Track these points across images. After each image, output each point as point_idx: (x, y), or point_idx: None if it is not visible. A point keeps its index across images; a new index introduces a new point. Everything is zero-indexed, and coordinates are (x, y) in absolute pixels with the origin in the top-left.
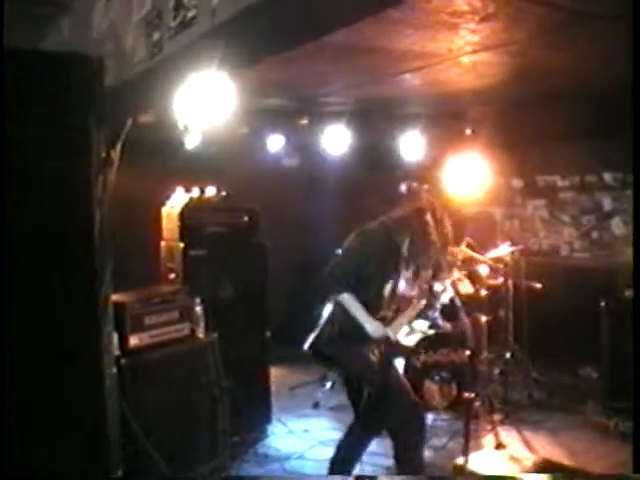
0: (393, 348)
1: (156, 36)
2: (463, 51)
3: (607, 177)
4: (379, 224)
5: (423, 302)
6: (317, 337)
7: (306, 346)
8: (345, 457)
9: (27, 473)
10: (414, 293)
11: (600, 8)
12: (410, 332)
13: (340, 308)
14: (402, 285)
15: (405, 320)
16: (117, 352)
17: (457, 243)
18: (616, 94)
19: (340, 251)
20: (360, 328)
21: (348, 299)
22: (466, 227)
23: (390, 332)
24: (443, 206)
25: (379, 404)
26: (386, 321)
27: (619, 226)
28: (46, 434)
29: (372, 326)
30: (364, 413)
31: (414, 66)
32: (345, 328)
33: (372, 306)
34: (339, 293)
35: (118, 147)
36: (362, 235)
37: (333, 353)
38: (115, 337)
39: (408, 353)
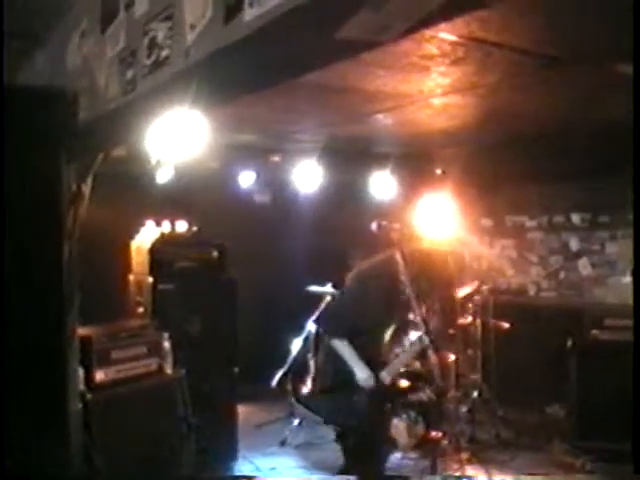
0: (384, 392)
1: (130, 74)
2: (434, 93)
3: (575, 218)
4: (378, 262)
5: (417, 347)
6: (310, 386)
7: (274, 383)
8: None
9: None
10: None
11: (572, 53)
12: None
13: (333, 354)
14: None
15: (401, 364)
16: (82, 387)
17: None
18: (585, 137)
19: (337, 292)
20: (351, 376)
21: (339, 346)
22: (435, 266)
23: (385, 376)
24: (413, 245)
25: (358, 449)
26: (383, 366)
27: (586, 266)
28: (11, 465)
29: (363, 375)
30: (348, 458)
31: (386, 106)
32: (337, 374)
33: (369, 352)
34: (332, 338)
35: (89, 181)
36: (357, 276)
37: (322, 405)
38: (80, 372)
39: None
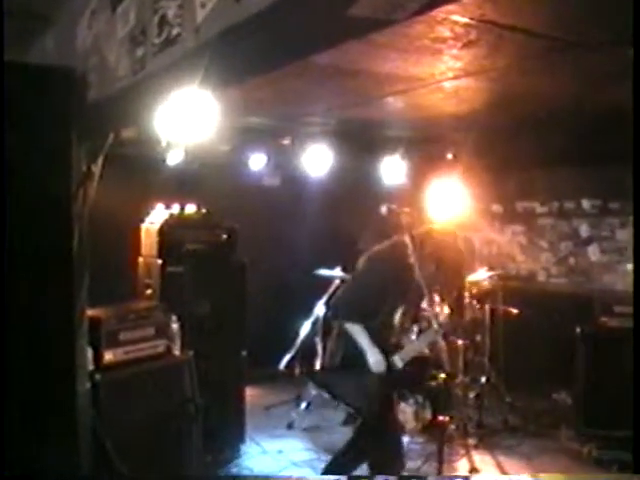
0: (396, 379)
1: (140, 52)
2: (445, 76)
3: (585, 204)
4: (390, 245)
5: (433, 333)
6: (315, 357)
7: (282, 365)
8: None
9: None
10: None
11: (583, 36)
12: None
13: (345, 336)
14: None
15: (415, 349)
16: (91, 367)
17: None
18: (597, 121)
19: (350, 275)
20: (363, 358)
21: (355, 329)
22: (445, 250)
23: (397, 360)
24: (423, 229)
25: (369, 434)
26: (395, 350)
27: (596, 253)
28: (19, 447)
29: (375, 359)
30: (355, 441)
31: (397, 89)
32: (347, 357)
33: (380, 334)
34: (345, 322)
35: (99, 162)
36: (370, 258)
37: (332, 382)
38: (89, 352)
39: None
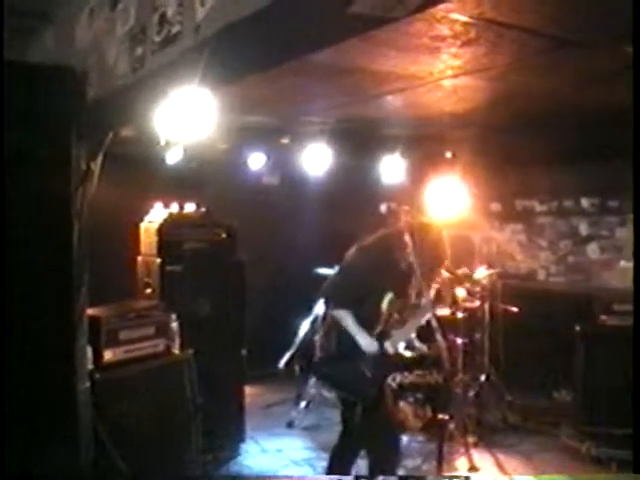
0: (389, 363)
1: (139, 51)
2: (444, 75)
3: (584, 202)
4: (379, 238)
5: (423, 318)
6: (314, 355)
7: (282, 364)
8: (337, 469)
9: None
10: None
11: (582, 35)
12: None
13: (335, 324)
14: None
15: (403, 335)
16: (91, 366)
17: (436, 265)
18: (596, 119)
19: (338, 266)
20: (354, 344)
21: (343, 315)
22: (444, 249)
23: (388, 346)
24: (423, 228)
25: (368, 420)
26: (386, 336)
27: (595, 251)
28: (19, 445)
29: (366, 341)
30: (356, 428)
31: (396, 88)
32: (341, 344)
33: (369, 321)
34: (334, 309)
35: (99, 160)
36: (361, 249)
37: (329, 371)
38: (89, 351)
39: (404, 367)
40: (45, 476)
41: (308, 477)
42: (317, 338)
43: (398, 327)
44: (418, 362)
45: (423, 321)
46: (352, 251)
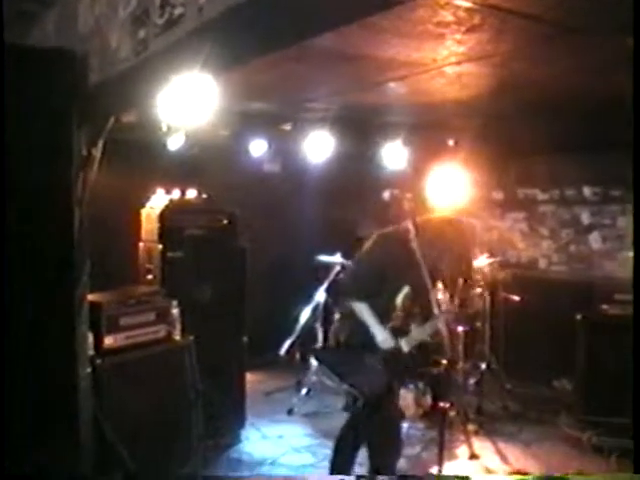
0: (401, 362)
1: (142, 33)
2: (448, 61)
3: (586, 191)
4: (395, 228)
5: (437, 322)
6: (322, 344)
7: (282, 351)
8: (341, 460)
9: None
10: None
11: (585, 23)
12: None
13: (350, 316)
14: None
15: (419, 336)
16: (91, 352)
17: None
18: (599, 108)
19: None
20: (368, 338)
21: (361, 307)
22: (447, 236)
23: (404, 344)
24: (425, 215)
25: (371, 416)
26: (403, 333)
27: (597, 240)
28: (20, 431)
29: (382, 336)
30: (353, 421)
31: (399, 75)
32: (352, 335)
33: (382, 314)
34: (352, 301)
35: (99, 145)
36: (377, 238)
37: (335, 360)
38: (90, 337)
39: (413, 369)
40: (45, 472)
41: (308, 477)
42: (317, 326)
43: (418, 324)
44: (424, 356)
45: (439, 327)
46: (369, 241)
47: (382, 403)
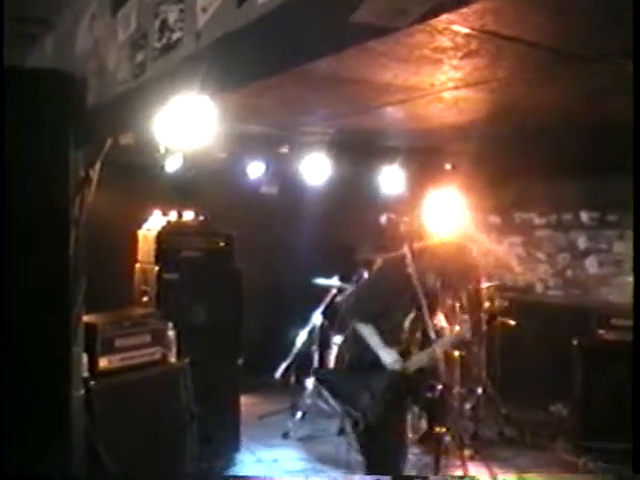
0: (404, 384)
1: (140, 57)
2: (445, 86)
3: (583, 216)
4: (396, 255)
5: (448, 342)
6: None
7: (278, 374)
8: None
9: None
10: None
11: (580, 49)
12: None
13: (353, 337)
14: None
15: (420, 361)
16: (86, 374)
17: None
18: (595, 133)
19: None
20: (374, 359)
21: (366, 330)
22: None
23: (409, 366)
24: (422, 240)
25: (369, 438)
26: (406, 355)
27: (593, 265)
28: (13, 451)
29: (390, 357)
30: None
31: (396, 99)
32: (357, 359)
33: (390, 338)
34: (357, 323)
35: (97, 167)
36: (381, 264)
37: (336, 380)
38: (85, 358)
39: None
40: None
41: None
42: (314, 349)
43: (417, 350)
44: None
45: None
46: (376, 265)
47: (384, 428)
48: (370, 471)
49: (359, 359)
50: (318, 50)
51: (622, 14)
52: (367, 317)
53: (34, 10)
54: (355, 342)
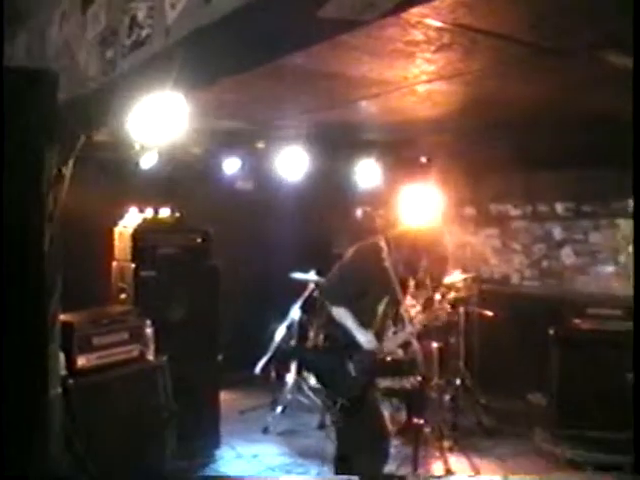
0: (377, 365)
1: (110, 54)
2: (419, 80)
3: (559, 207)
4: (371, 242)
5: (406, 334)
6: (302, 344)
7: (257, 369)
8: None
9: None
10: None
11: (555, 42)
12: None
13: (330, 320)
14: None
15: (392, 345)
16: (64, 372)
17: (413, 270)
18: (571, 125)
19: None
20: (348, 342)
21: (341, 312)
22: (421, 254)
23: (382, 349)
24: (398, 233)
25: (350, 418)
26: (379, 338)
27: (569, 255)
28: None
29: (366, 338)
30: (334, 423)
31: (370, 93)
32: (331, 340)
33: (365, 321)
34: (332, 305)
35: (70, 164)
36: (356, 250)
37: (314, 358)
38: (62, 357)
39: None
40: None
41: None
42: (293, 343)
43: (391, 334)
44: (397, 367)
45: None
46: (350, 250)
47: (359, 409)
48: (338, 452)
49: (335, 339)
50: (289, 45)
51: (596, 7)
52: (342, 300)
53: (5, 8)
54: (331, 323)
